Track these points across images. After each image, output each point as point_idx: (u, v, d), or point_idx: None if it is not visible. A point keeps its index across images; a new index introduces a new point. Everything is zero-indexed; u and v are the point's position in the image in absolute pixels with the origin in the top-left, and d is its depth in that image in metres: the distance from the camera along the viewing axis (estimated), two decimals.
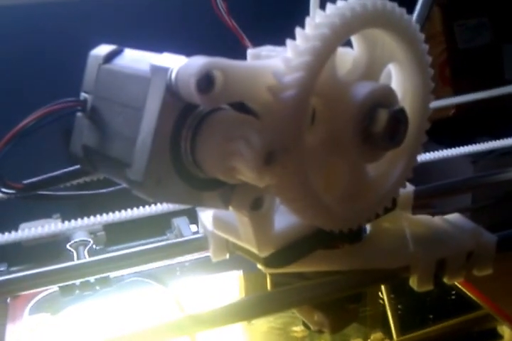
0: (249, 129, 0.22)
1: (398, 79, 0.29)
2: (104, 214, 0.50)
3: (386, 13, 0.26)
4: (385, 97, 0.27)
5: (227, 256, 0.35)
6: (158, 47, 0.26)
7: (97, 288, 0.55)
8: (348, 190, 0.27)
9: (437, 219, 0.35)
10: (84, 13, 0.90)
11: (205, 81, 0.21)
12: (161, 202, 0.48)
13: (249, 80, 0.23)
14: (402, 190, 0.38)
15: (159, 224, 0.59)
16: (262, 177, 0.22)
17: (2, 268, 0.61)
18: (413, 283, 0.31)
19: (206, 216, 0.35)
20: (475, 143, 0.57)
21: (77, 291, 0.54)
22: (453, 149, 0.55)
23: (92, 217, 0.49)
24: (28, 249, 0.61)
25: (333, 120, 0.26)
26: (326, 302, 0.33)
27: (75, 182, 0.44)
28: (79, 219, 0.49)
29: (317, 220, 0.25)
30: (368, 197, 0.28)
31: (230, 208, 0.26)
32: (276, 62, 0.24)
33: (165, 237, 0.60)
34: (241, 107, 0.25)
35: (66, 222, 0.49)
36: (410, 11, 0.60)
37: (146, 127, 0.23)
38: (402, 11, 0.27)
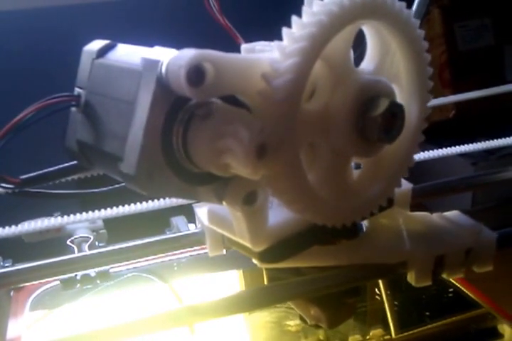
0: (239, 124, 0.22)
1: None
2: (103, 210, 0.50)
3: (386, 4, 0.26)
4: (387, 92, 0.27)
5: (224, 251, 0.35)
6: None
7: (98, 282, 0.56)
8: (332, 182, 0.27)
9: (436, 217, 0.34)
10: (83, 14, 0.92)
11: (196, 73, 0.21)
12: (155, 196, 0.48)
13: (242, 72, 0.23)
14: (400, 188, 0.37)
15: (159, 223, 0.61)
16: (257, 171, 0.22)
17: (7, 264, 0.62)
18: (411, 278, 0.31)
19: (203, 211, 0.35)
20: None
21: (78, 285, 0.56)
22: (449, 149, 0.54)
23: (90, 212, 0.50)
24: (31, 246, 0.62)
25: (332, 95, 0.26)
26: (323, 296, 0.32)
27: (75, 179, 0.44)
28: (77, 214, 0.49)
29: (308, 213, 0.25)
30: (361, 194, 0.28)
31: (224, 203, 0.26)
32: (271, 54, 0.24)
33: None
34: (234, 101, 0.24)
35: (65, 217, 0.49)
36: None
37: (138, 121, 0.23)
38: (401, 4, 0.27)
